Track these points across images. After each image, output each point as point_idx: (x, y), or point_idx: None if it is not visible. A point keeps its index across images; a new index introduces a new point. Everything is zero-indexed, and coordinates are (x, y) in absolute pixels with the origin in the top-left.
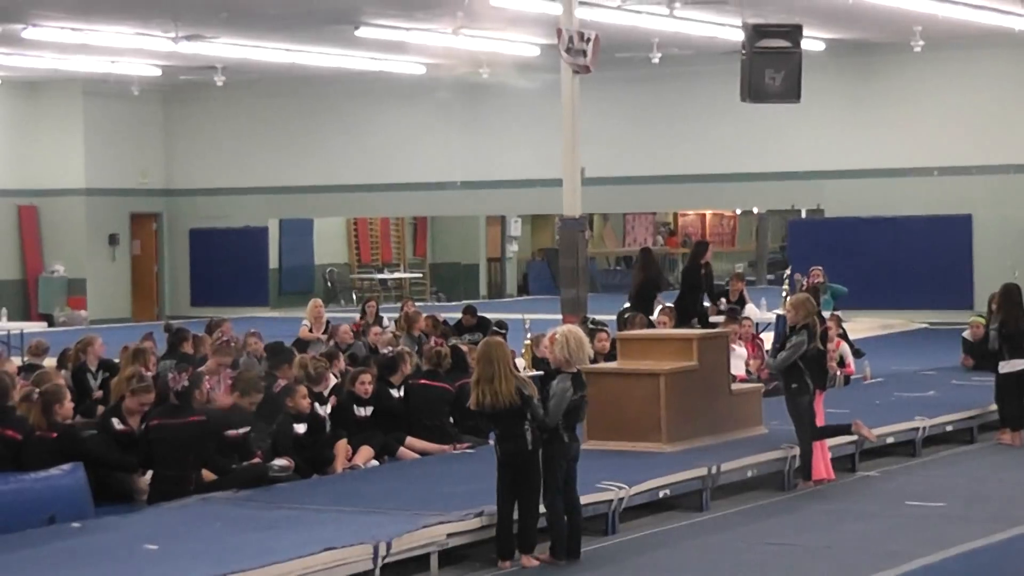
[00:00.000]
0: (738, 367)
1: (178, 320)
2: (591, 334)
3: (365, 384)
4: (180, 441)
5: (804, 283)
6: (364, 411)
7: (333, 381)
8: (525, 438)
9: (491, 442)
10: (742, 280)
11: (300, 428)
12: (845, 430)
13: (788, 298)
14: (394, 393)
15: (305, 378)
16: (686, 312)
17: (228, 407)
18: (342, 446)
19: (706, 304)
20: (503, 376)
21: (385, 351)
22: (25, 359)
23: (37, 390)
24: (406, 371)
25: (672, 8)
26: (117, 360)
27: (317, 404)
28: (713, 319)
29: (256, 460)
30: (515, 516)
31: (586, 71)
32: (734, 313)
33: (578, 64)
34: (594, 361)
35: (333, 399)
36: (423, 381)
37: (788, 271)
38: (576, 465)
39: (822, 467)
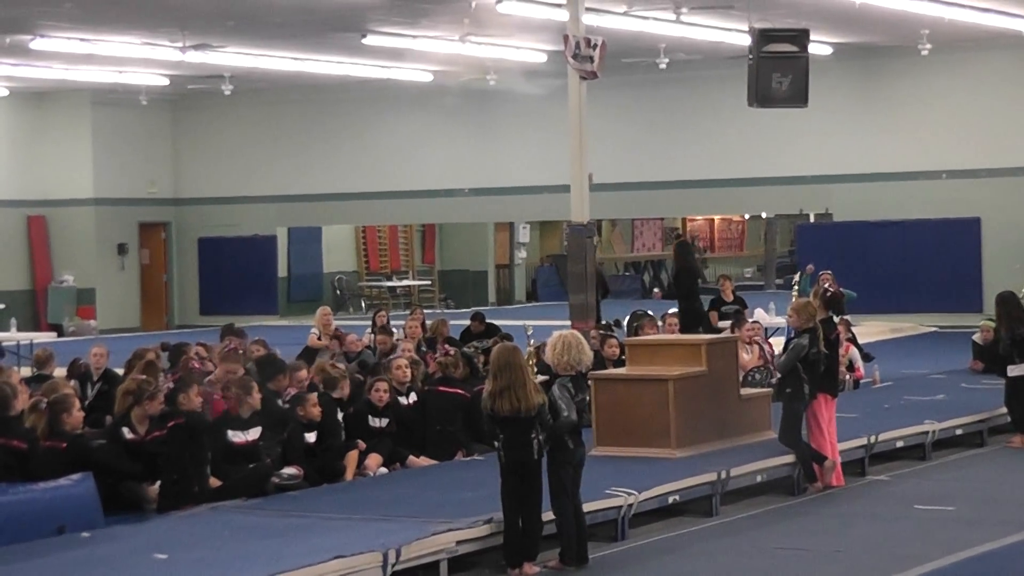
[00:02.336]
0: None
1: (188, 329)
2: (602, 339)
3: (380, 392)
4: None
5: (818, 285)
6: (379, 422)
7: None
8: (532, 446)
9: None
10: (730, 280)
11: (310, 437)
12: (820, 459)
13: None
14: (403, 400)
15: (323, 383)
16: (693, 319)
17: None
18: (353, 457)
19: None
20: (531, 381)
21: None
22: (34, 370)
23: (45, 400)
24: (399, 376)
25: (679, 13)
26: (120, 370)
27: (338, 409)
28: (719, 324)
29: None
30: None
31: (593, 77)
32: (739, 315)
33: (585, 70)
34: (604, 367)
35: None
36: (439, 388)
37: (797, 276)
38: (581, 471)
39: (829, 472)
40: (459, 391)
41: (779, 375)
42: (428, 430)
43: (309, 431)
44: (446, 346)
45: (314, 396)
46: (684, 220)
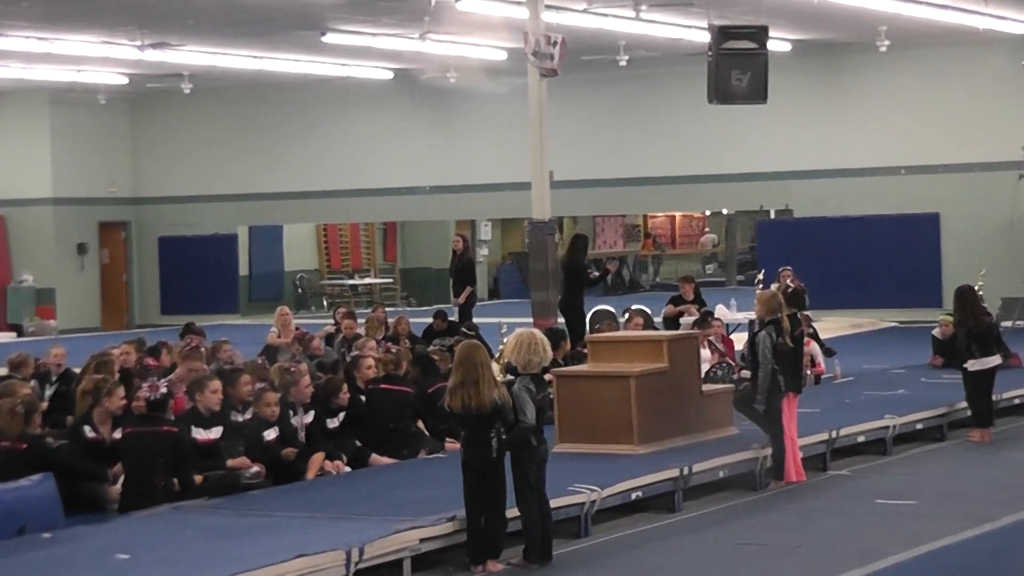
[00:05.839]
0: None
1: (149, 328)
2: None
3: (347, 393)
4: (153, 450)
5: (779, 281)
6: (335, 421)
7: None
8: (491, 445)
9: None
10: (691, 282)
11: (270, 435)
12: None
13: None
14: (364, 399)
15: (277, 386)
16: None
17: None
18: (316, 460)
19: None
20: (486, 379)
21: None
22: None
23: (21, 403)
24: (368, 375)
25: (638, 10)
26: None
27: (291, 413)
28: (683, 320)
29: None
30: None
31: (553, 74)
32: (705, 316)
33: (545, 67)
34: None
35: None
36: (383, 385)
37: (761, 274)
38: (545, 467)
39: (792, 470)
40: (403, 388)
41: (760, 373)
42: (380, 428)
43: (267, 428)
44: (387, 343)
45: (271, 395)
46: (645, 217)
